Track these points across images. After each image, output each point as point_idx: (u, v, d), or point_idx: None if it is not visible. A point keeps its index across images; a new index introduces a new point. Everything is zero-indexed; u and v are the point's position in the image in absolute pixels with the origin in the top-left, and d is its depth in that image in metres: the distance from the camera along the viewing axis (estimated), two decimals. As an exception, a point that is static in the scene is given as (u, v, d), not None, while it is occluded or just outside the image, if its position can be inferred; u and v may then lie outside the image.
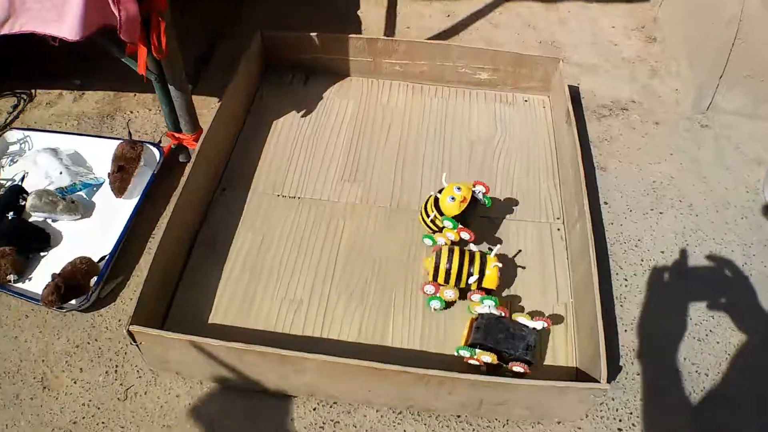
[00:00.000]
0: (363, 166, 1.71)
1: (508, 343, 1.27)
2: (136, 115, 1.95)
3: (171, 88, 1.53)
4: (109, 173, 1.61)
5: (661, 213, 1.69)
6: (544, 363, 1.35)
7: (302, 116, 1.85)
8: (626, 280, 1.51)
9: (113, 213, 1.59)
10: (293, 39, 1.95)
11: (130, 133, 1.75)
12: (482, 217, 1.59)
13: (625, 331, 1.47)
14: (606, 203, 1.68)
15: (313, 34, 1.91)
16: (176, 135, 1.66)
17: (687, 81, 2.11)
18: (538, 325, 1.29)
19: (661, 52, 2.25)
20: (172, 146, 1.69)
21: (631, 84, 2.12)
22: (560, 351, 1.36)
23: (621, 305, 1.49)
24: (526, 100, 1.94)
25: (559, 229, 1.59)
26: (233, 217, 1.59)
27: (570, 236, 1.55)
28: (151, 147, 1.73)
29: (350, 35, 1.91)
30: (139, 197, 1.59)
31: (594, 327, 1.26)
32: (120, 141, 1.67)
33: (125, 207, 1.58)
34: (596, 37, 2.30)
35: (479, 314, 1.33)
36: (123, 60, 1.41)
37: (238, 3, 2.38)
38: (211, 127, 1.59)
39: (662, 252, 1.60)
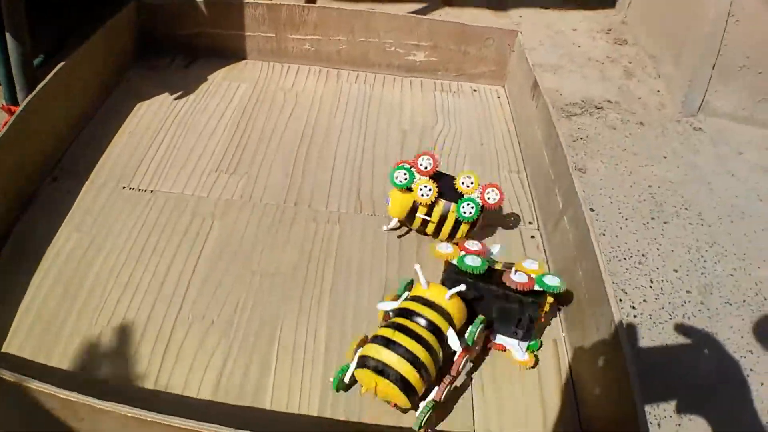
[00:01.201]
0: (248, 157, 1.20)
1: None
2: None
3: (7, 32, 1.30)
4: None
5: (665, 222, 1.23)
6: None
7: (175, 99, 1.35)
8: (634, 308, 1.07)
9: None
10: (175, 7, 1.44)
11: None
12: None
13: (642, 380, 0.93)
14: (592, 209, 1.20)
15: (199, 0, 1.39)
16: (12, 109, 1.28)
17: (671, 82, 1.98)
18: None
19: (635, 54, 1.94)
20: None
21: (602, 84, 1.78)
22: (552, 406, 0.86)
23: (631, 342, 0.97)
24: (475, 90, 1.45)
25: (533, 237, 1.09)
26: (58, 213, 1.09)
27: (550, 245, 1.06)
28: None
29: (246, 0, 1.40)
30: None
31: (618, 374, 0.77)
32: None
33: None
34: (555, 40, 1.96)
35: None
36: None
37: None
38: (41, 91, 1.12)
39: (676, 271, 1.12)
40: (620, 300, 1.14)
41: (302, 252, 1.04)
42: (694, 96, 1.90)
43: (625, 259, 1.30)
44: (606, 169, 1.53)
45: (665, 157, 1.65)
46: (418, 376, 0.76)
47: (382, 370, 0.76)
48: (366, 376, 0.77)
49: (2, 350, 0.89)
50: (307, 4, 1.49)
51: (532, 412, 0.86)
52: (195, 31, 1.52)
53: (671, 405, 1.10)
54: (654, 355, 1.15)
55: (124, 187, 1.15)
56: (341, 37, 1.50)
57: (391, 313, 0.85)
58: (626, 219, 1.40)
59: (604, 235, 1.32)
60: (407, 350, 0.76)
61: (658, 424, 1.08)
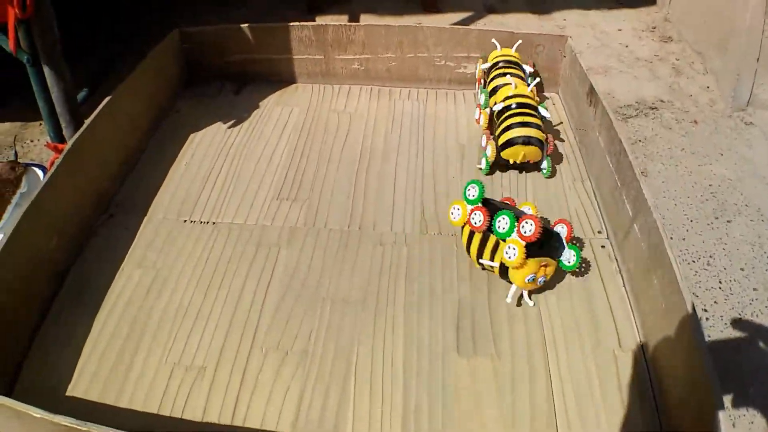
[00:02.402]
0: (308, 182, 1.18)
1: None
2: (36, 143, 1.74)
3: (46, 72, 1.27)
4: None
5: (728, 221, 1.20)
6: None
7: (229, 128, 1.34)
8: (705, 310, 1.03)
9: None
10: (219, 34, 1.45)
11: (15, 153, 1.54)
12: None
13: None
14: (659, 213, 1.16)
15: (244, 26, 1.41)
16: (59, 146, 1.29)
17: (719, 77, 1.93)
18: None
19: (681, 50, 1.90)
20: (55, 162, 1.21)
21: (653, 83, 1.74)
22: (633, 411, 0.84)
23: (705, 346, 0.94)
24: (528, 98, 1.42)
25: (603, 246, 1.05)
26: (117, 250, 1.08)
27: (622, 253, 1.02)
28: (37, 169, 1.40)
29: (291, 23, 1.40)
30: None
31: (698, 378, 0.74)
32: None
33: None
34: (602, 41, 1.92)
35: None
36: None
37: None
38: (88, 127, 1.12)
39: (742, 269, 1.09)
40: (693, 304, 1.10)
41: (371, 276, 1.03)
42: (742, 90, 1.86)
43: (693, 261, 1.27)
44: (667, 170, 1.50)
45: (721, 154, 1.61)
46: (544, 136, 1.18)
47: (528, 141, 1.17)
48: (513, 151, 1.18)
49: (66, 394, 0.88)
50: (353, 23, 1.48)
51: (612, 416, 0.84)
52: (242, 57, 1.52)
53: (745, 403, 1.07)
54: (726, 355, 1.11)
55: (185, 221, 1.14)
56: (390, 54, 1.49)
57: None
58: (691, 221, 1.37)
59: (672, 238, 1.29)
60: (537, 125, 1.18)
61: (733, 424, 1.05)
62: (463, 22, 2.17)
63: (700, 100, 1.80)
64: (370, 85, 1.52)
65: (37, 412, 0.67)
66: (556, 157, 1.28)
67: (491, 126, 1.27)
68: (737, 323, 1.13)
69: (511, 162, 1.20)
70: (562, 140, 1.30)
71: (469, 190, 1.03)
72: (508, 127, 1.19)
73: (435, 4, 2.49)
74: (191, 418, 0.83)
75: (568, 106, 1.41)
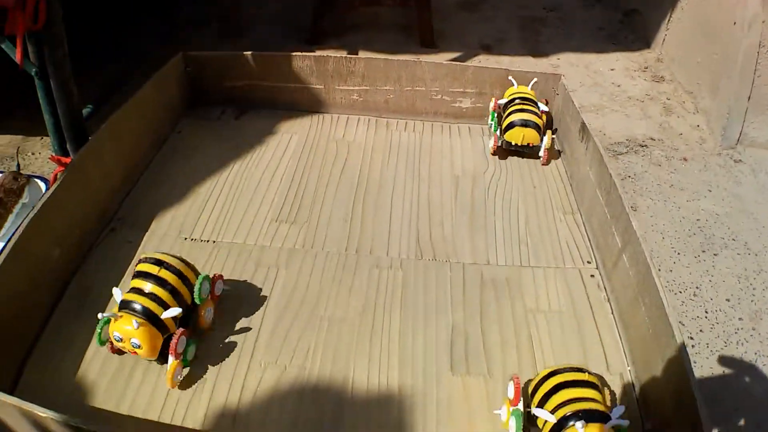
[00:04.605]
0: (307, 205, 1.22)
1: None
2: (37, 156, 1.79)
3: (54, 85, 1.30)
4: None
5: (715, 255, 1.25)
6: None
7: (229, 151, 1.37)
8: (691, 338, 1.06)
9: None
10: (223, 59, 1.48)
11: (18, 164, 1.56)
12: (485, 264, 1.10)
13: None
14: (646, 247, 1.21)
15: (246, 53, 1.44)
16: (62, 159, 1.30)
17: (709, 116, 1.99)
18: None
19: (672, 90, 1.95)
20: (59, 174, 1.23)
21: (644, 122, 1.79)
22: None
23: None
24: (523, 133, 1.46)
25: (593, 276, 1.08)
26: (120, 263, 1.11)
27: (611, 283, 1.05)
28: (39, 181, 1.42)
29: (294, 53, 1.44)
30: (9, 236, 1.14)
31: (685, 401, 0.77)
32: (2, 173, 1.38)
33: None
34: (595, 80, 1.97)
35: None
36: (2, 47, 1.24)
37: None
38: (95, 139, 1.17)
39: (728, 300, 1.13)
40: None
41: (368, 298, 1.05)
42: (732, 128, 1.91)
43: (680, 292, 1.31)
44: (656, 205, 1.54)
45: (710, 191, 1.66)
46: (542, 122, 1.34)
47: (525, 123, 1.32)
48: (514, 132, 1.34)
49: (67, 399, 0.89)
50: (353, 56, 1.52)
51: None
52: (244, 83, 1.56)
53: (730, 429, 1.10)
54: (712, 382, 1.15)
55: (185, 238, 1.17)
56: (389, 87, 1.53)
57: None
58: (678, 253, 1.41)
59: (659, 270, 1.32)
60: (534, 112, 1.32)
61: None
62: (460, 59, 2.23)
63: (690, 138, 1.85)
64: (368, 115, 1.56)
65: (44, 413, 0.69)
66: (548, 189, 1.31)
67: (499, 120, 1.43)
68: (722, 351, 1.16)
69: (513, 144, 1.35)
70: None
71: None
72: (510, 113, 1.36)
73: (433, 41, 2.55)
74: (192, 425, 0.85)
75: (560, 141, 1.45)
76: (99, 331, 0.86)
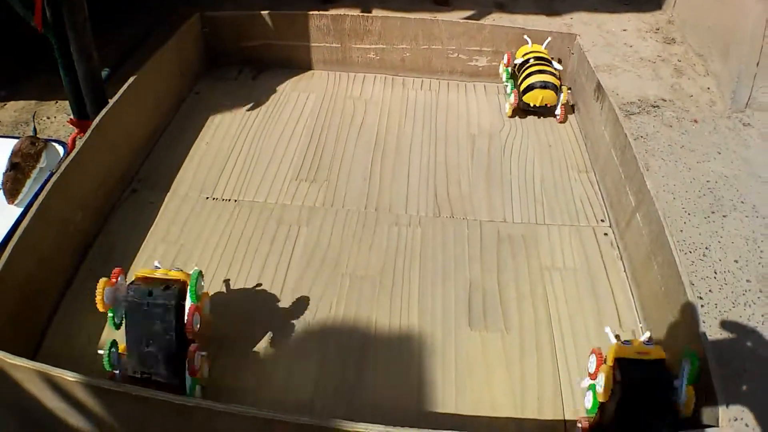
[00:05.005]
0: (326, 164, 1.24)
1: None
2: (53, 120, 1.78)
3: (73, 49, 1.29)
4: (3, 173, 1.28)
5: (724, 216, 1.27)
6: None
7: (248, 110, 1.40)
8: (700, 298, 1.08)
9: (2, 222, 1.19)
10: (239, 19, 1.51)
11: (35, 128, 1.53)
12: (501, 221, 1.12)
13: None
14: (658, 206, 1.24)
15: (263, 12, 1.46)
16: (81, 122, 1.32)
17: (719, 79, 2.01)
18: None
19: (683, 52, 1.95)
20: (77, 138, 1.32)
21: (656, 82, 1.80)
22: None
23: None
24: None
25: (606, 234, 1.11)
26: (142, 224, 1.13)
27: (624, 241, 1.08)
28: (56, 145, 1.40)
29: (311, 12, 1.45)
30: (27, 201, 1.24)
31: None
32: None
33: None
34: (607, 40, 1.97)
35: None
36: (20, 12, 1.23)
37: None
38: (117, 101, 1.17)
39: (736, 261, 1.15)
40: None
41: (388, 255, 1.08)
42: (741, 92, 1.92)
43: (690, 252, 1.33)
44: (667, 166, 1.56)
45: (719, 153, 1.68)
46: (559, 82, 1.35)
47: (545, 85, 1.33)
48: (533, 95, 1.35)
49: (89, 362, 0.90)
50: (370, 15, 1.53)
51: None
52: (261, 43, 1.57)
53: (737, 387, 1.14)
54: (720, 343, 1.19)
55: (207, 198, 1.19)
56: (405, 45, 1.54)
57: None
58: (689, 214, 1.43)
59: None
60: (552, 72, 1.33)
61: (726, 405, 1.11)
62: (473, 18, 2.23)
63: (700, 100, 1.87)
64: (384, 74, 1.57)
65: (72, 376, 0.72)
66: (563, 148, 1.34)
67: (514, 80, 1.43)
68: (730, 311, 1.19)
69: (531, 105, 1.37)
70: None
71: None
72: (529, 74, 1.37)
73: (446, -1, 2.55)
74: (218, 384, 0.88)
75: (576, 100, 1.46)
76: (107, 359, 0.82)
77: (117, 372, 0.81)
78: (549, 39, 1.45)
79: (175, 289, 0.80)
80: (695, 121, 1.74)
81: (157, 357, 0.80)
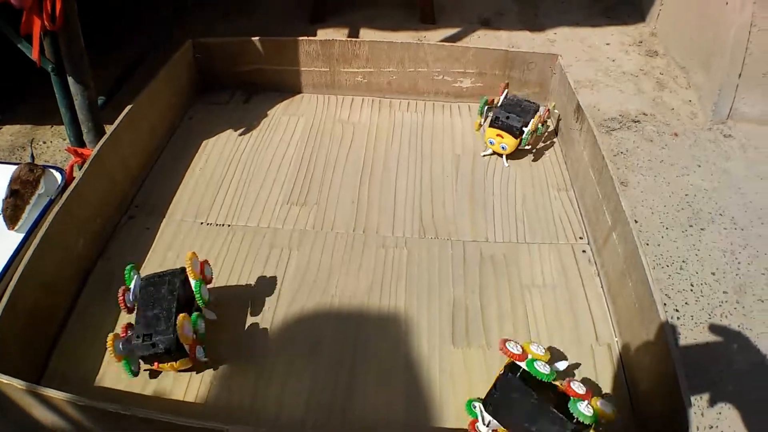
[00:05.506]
0: (316, 187, 1.29)
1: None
2: (49, 145, 1.81)
3: (71, 80, 1.32)
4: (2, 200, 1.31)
5: (702, 229, 1.31)
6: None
7: (239, 135, 1.45)
8: (677, 310, 1.13)
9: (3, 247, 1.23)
10: (230, 46, 1.55)
11: (32, 155, 1.56)
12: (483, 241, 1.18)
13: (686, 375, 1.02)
14: (636, 221, 1.28)
15: (254, 38, 1.51)
16: (78, 150, 1.33)
17: (701, 91, 2.04)
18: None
19: (665, 65, 2.00)
20: (76, 166, 1.36)
21: (638, 97, 1.84)
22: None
23: (676, 342, 1.07)
24: (519, 111, 1.53)
25: (584, 251, 1.17)
26: (140, 249, 1.18)
27: (601, 258, 1.13)
28: (54, 171, 1.41)
29: (300, 38, 1.51)
30: (28, 228, 1.27)
31: (667, 371, 0.84)
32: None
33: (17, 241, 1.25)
34: (590, 55, 2.02)
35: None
36: (19, 46, 1.27)
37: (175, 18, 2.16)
38: (114, 131, 1.22)
39: (713, 273, 1.20)
40: (665, 304, 1.21)
41: (375, 275, 1.13)
42: (723, 104, 1.96)
43: (667, 266, 1.37)
44: (646, 181, 1.60)
45: (699, 166, 1.71)
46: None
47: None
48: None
49: (95, 384, 0.97)
50: (358, 39, 1.58)
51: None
52: (252, 68, 1.62)
53: (712, 396, 1.18)
54: (696, 353, 1.22)
55: (202, 223, 1.24)
56: (392, 69, 1.59)
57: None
58: (667, 228, 1.47)
59: (647, 244, 1.39)
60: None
61: (702, 414, 1.15)
62: (459, 35, 2.28)
63: (681, 113, 1.91)
64: (372, 96, 1.63)
65: (79, 401, 0.77)
66: (543, 167, 1.39)
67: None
68: (706, 323, 1.23)
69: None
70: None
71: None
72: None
73: (433, 17, 2.61)
74: (217, 404, 0.93)
75: (556, 119, 1.52)
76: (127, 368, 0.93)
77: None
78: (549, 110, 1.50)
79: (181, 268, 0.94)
80: (675, 134, 1.79)
81: (159, 316, 0.90)
